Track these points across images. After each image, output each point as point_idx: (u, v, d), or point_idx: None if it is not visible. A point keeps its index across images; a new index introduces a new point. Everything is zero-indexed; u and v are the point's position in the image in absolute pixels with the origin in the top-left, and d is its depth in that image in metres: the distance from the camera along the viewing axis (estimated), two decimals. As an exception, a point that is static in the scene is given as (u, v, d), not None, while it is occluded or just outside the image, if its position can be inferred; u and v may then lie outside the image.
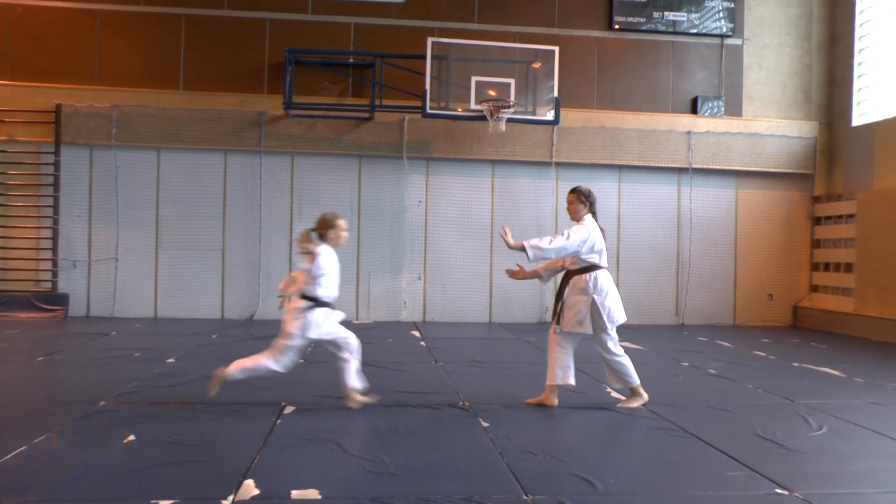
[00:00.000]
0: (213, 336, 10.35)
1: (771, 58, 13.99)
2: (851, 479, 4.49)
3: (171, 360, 8.15)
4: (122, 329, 10.90)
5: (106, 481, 4.08)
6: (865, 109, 13.31)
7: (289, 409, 5.90)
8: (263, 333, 10.76)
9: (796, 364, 9.04)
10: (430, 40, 11.62)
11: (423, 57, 11.61)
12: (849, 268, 12.97)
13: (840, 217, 13.31)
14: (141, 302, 12.54)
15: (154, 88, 12.61)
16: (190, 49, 12.80)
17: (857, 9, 13.44)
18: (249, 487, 4.03)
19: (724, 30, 13.77)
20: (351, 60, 13.14)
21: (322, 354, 8.84)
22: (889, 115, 12.61)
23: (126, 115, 12.36)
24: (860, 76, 13.42)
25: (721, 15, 13.75)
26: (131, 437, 4.93)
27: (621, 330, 11.93)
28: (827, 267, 13.63)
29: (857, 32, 13.45)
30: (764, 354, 9.86)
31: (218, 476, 4.21)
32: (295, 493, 3.96)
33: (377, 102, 12.32)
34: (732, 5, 13.78)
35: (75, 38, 12.56)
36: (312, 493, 3.96)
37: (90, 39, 12.60)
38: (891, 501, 4.11)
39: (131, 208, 12.49)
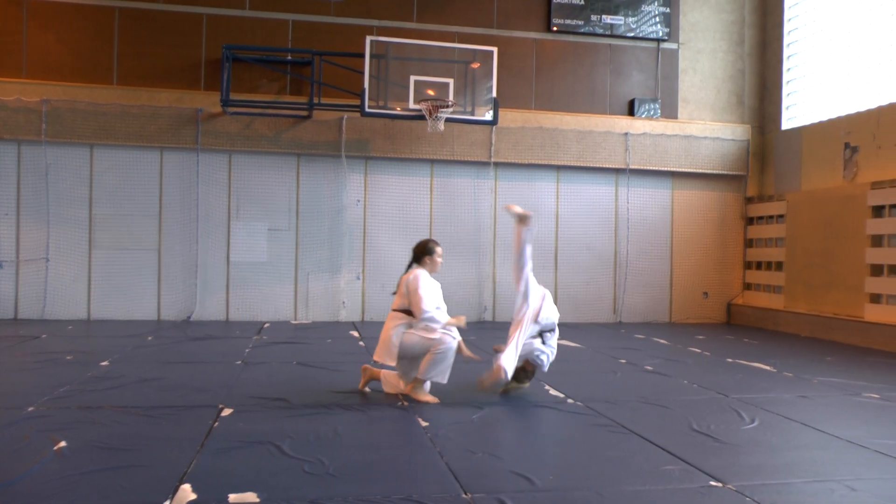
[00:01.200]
0: (149, 338, 10.13)
1: (705, 62, 14.32)
2: (781, 469, 4.63)
3: (104, 363, 7.94)
4: (53, 331, 10.58)
5: (36, 490, 3.95)
6: (794, 114, 13.74)
7: (226, 412, 5.81)
8: (201, 334, 10.59)
9: (730, 360, 9.27)
10: (368, 39, 11.57)
11: (362, 55, 11.55)
12: (779, 266, 13.36)
13: (771, 217, 13.70)
14: (73, 303, 12.19)
15: (86, 83, 12.26)
16: (124, 43, 12.50)
17: (786, 17, 13.86)
18: (186, 492, 3.96)
19: (661, 34, 14.04)
20: (289, 58, 13.01)
21: (260, 356, 8.76)
22: (815, 120, 13.03)
23: (57, 109, 12.00)
24: (789, 81, 13.84)
25: (657, 19, 14.02)
26: (63, 444, 4.79)
27: (560, 327, 12.12)
28: (759, 265, 14.02)
29: (786, 39, 13.87)
30: (699, 351, 10.09)
31: (153, 481, 4.12)
32: (232, 497, 3.90)
33: (315, 101, 12.22)
34: (668, 10, 14.06)
35: (1, 30, 12.15)
36: (250, 497, 3.91)
37: (17, 31, 12.19)
38: (816, 490, 4.25)
39: (62, 206, 12.14)
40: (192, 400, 6.21)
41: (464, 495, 4.01)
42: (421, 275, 6.51)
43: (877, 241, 11.12)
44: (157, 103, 12.31)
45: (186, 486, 4.03)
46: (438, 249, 6.77)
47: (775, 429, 5.68)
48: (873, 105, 11.72)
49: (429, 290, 6.43)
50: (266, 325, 11.94)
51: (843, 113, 12.35)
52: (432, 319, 6.29)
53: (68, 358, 8.25)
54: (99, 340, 9.87)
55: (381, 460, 4.65)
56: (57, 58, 12.28)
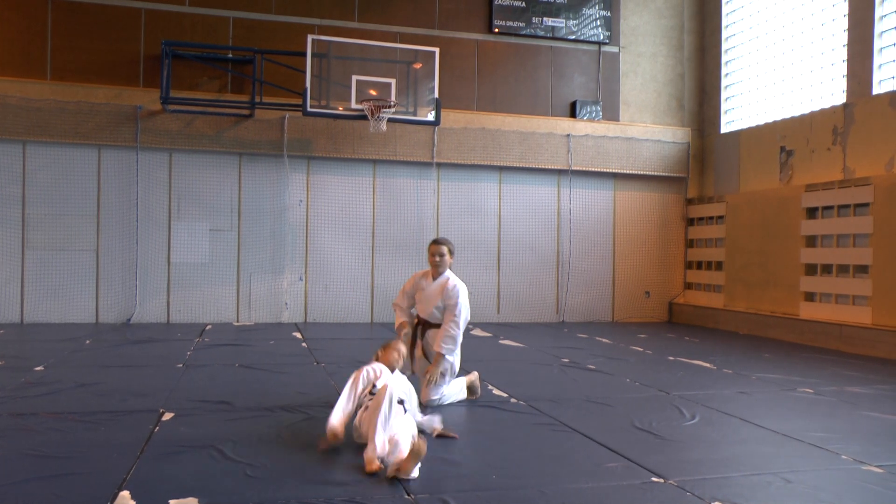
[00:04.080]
0: (87, 341, 9.87)
1: (646, 66, 14.56)
2: (721, 464, 4.73)
3: (39, 368, 7.72)
4: (-17, 335, 10.26)
5: (-35, 498, 3.82)
6: (732, 118, 14.07)
7: (167, 416, 5.69)
8: (141, 337, 10.36)
9: (671, 358, 9.44)
10: (310, 37, 11.45)
11: (304, 54, 11.44)
12: (719, 266, 13.66)
13: (711, 218, 14.00)
14: (5, 306, 11.80)
15: (18, 77, 11.87)
16: (58, 36, 12.15)
17: (724, 23, 14.18)
18: (125, 499, 3.86)
19: (602, 37, 14.22)
20: (230, 55, 12.82)
21: (202, 359, 8.61)
22: (752, 124, 13.37)
23: (-13, 107, 11.63)
24: (727, 86, 14.17)
25: (598, 23, 14.20)
26: (-7, 450, 4.65)
27: (503, 327, 12.17)
28: (700, 265, 14.31)
29: (724, 45, 14.20)
30: (641, 349, 10.24)
31: (91, 489, 4.01)
32: (173, 503, 3.82)
33: (257, 99, 12.07)
34: (609, 14, 14.25)
35: (-71, 24, 11.73)
36: (192, 502, 3.84)
37: (-54, 26, 11.78)
38: (754, 483, 4.35)
39: (-7, 207, 11.78)
40: (131, 405, 6.07)
41: (407, 496, 4.00)
42: None
43: (811, 241, 11.45)
44: (95, 99, 12.00)
45: (125, 493, 3.94)
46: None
47: (715, 424, 5.80)
48: (807, 110, 12.06)
49: None
50: (208, 327, 11.75)
51: (778, 117, 12.69)
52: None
53: (0, 363, 8.00)
54: (33, 345, 9.59)
55: (324, 462, 4.60)
56: (-13, 52, 11.89)
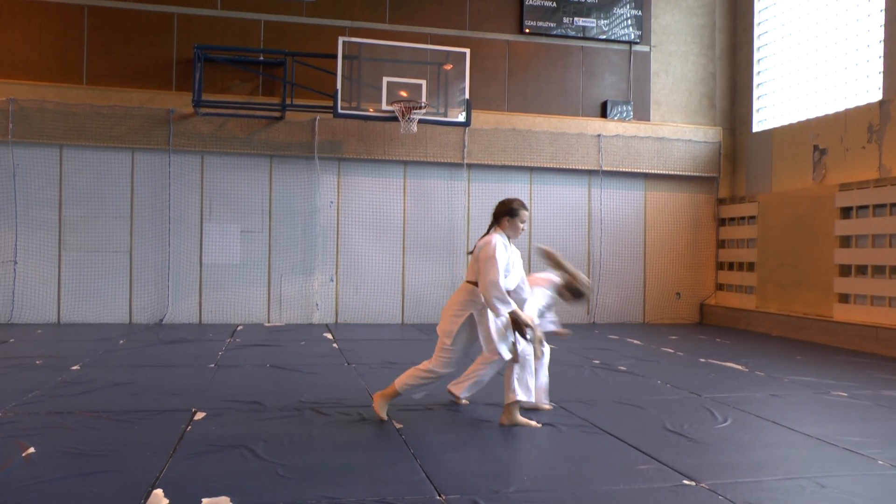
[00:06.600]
0: (121, 341, 10.02)
1: (677, 65, 14.45)
2: (753, 467, 4.68)
3: (75, 368, 7.85)
4: (21, 335, 10.43)
5: (3, 497, 3.88)
6: (764, 116, 13.91)
7: (199, 416, 5.76)
8: (174, 338, 10.49)
9: (703, 360, 9.35)
10: (341, 39, 11.52)
11: (335, 56, 11.50)
12: (751, 267, 13.51)
13: (743, 218, 13.85)
14: (42, 307, 12.02)
15: (55, 82, 12.08)
16: (94, 42, 12.35)
17: (756, 21, 14.02)
18: (158, 497, 3.92)
19: (633, 37, 14.14)
20: (261, 58, 12.93)
21: (233, 359, 8.70)
22: (785, 123, 13.20)
23: (24, 109, 11.82)
24: (759, 84, 14.01)
25: (629, 22, 14.11)
26: (31, 450, 4.72)
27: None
28: (731, 266, 14.16)
29: (756, 43, 14.04)
30: (672, 351, 10.16)
31: (125, 487, 4.07)
32: (206, 501, 3.87)
33: (288, 102, 12.16)
34: (640, 13, 14.16)
35: (-32, 30, 11.97)
36: (224, 501, 3.88)
37: (-16, 31, 12.02)
38: (787, 487, 4.30)
39: (31, 208, 11.96)
40: (164, 404, 6.15)
41: (438, 497, 4.01)
42: (497, 240, 5.52)
43: (845, 241, 11.28)
44: (129, 103, 12.18)
45: (159, 492, 3.99)
46: (524, 213, 5.72)
47: (747, 427, 5.74)
48: (840, 108, 11.89)
49: (502, 259, 5.41)
50: (239, 328, 11.86)
51: (811, 115, 12.52)
52: (497, 301, 5.30)
53: (38, 362, 8.14)
54: (69, 344, 9.75)
55: (355, 462, 4.63)
56: (24, 56, 12.10)
